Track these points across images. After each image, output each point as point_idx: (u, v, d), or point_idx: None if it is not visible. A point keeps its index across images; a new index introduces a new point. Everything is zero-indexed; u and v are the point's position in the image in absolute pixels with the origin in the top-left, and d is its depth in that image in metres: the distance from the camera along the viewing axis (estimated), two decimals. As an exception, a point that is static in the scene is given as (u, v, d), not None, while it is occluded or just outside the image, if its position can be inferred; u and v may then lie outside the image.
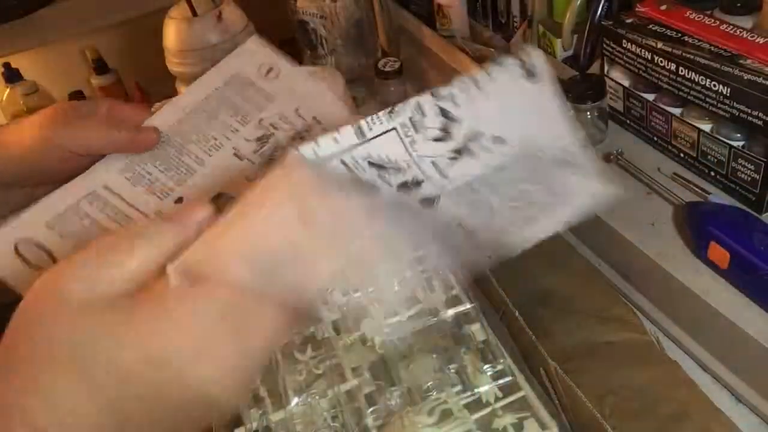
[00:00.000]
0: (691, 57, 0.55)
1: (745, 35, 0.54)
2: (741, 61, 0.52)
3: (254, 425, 0.45)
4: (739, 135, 0.55)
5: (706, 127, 0.57)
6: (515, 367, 0.46)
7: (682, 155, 0.61)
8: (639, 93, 0.63)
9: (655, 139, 0.63)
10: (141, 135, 0.53)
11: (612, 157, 0.62)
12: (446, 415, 0.43)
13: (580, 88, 0.64)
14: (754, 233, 0.48)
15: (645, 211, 0.58)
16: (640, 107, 0.64)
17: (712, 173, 0.58)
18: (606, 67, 0.67)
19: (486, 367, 0.45)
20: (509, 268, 0.64)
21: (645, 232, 0.56)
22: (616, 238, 0.57)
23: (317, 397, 0.46)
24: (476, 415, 0.43)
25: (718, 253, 0.49)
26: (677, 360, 0.52)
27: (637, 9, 0.63)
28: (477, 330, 0.48)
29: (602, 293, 0.59)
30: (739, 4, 0.58)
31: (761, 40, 0.53)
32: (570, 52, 0.77)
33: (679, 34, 0.57)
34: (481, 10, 0.91)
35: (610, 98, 0.67)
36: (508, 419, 0.42)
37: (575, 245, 0.64)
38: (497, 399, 0.44)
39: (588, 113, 0.65)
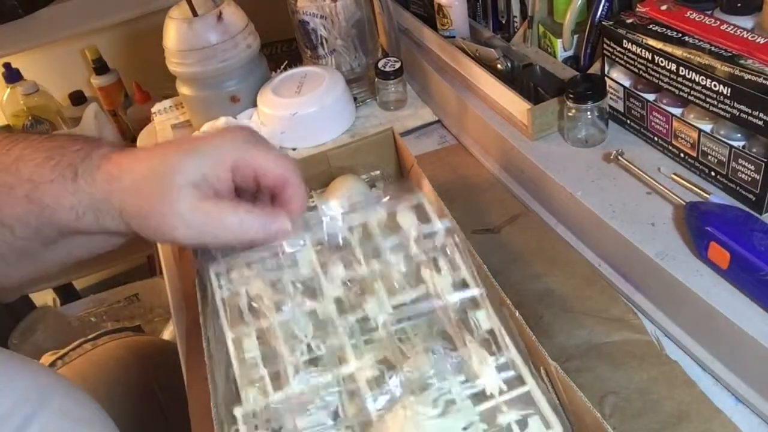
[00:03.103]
0: (692, 57, 0.55)
1: (745, 35, 0.54)
2: (741, 61, 0.52)
3: (253, 405, 0.43)
4: (739, 135, 0.55)
5: (707, 127, 0.57)
6: (520, 360, 0.44)
7: (682, 155, 0.61)
8: (639, 93, 0.63)
9: (656, 139, 0.63)
10: (273, 226, 0.48)
11: (612, 156, 0.62)
12: (450, 406, 0.42)
13: (580, 88, 0.64)
14: (754, 233, 0.48)
15: (645, 211, 0.58)
16: (640, 107, 0.64)
17: (713, 173, 0.58)
18: (606, 67, 0.67)
19: (490, 358, 0.44)
20: (509, 268, 0.64)
21: (645, 232, 0.56)
22: (616, 238, 0.57)
23: (318, 379, 0.44)
24: (480, 408, 0.42)
25: (718, 253, 0.49)
26: (677, 360, 0.52)
27: (637, 9, 0.63)
28: (483, 318, 0.47)
29: (602, 293, 0.59)
30: (739, 4, 0.58)
31: (761, 40, 0.53)
32: (570, 52, 0.77)
33: (680, 34, 0.57)
34: (481, 10, 0.91)
35: (611, 98, 0.67)
36: (512, 416, 0.41)
37: (575, 245, 0.64)
38: (501, 392, 0.43)
39: (588, 113, 0.65)
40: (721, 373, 0.51)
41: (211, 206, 0.45)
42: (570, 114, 0.66)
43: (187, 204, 0.44)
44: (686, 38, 0.57)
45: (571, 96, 0.64)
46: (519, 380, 0.43)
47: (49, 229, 0.47)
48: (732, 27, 0.55)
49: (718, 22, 0.57)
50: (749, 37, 0.54)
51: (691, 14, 0.59)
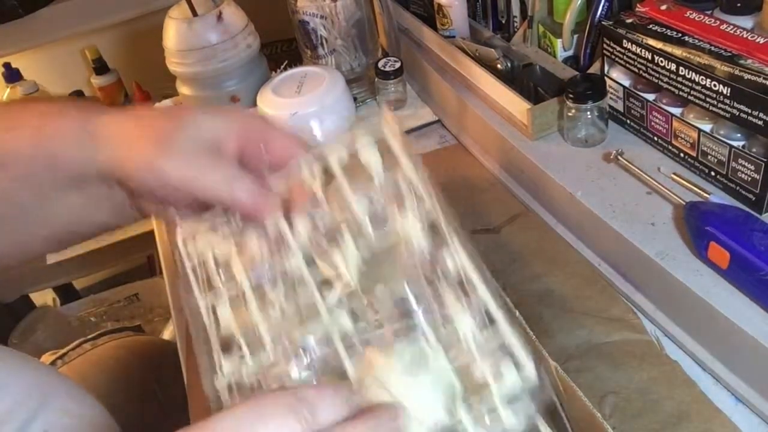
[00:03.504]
0: (691, 57, 0.55)
1: (745, 35, 0.54)
2: (741, 61, 0.52)
3: (231, 376, 0.41)
4: (739, 135, 0.55)
5: (706, 127, 0.57)
6: (491, 300, 0.40)
7: (682, 155, 0.61)
8: (639, 93, 0.63)
9: (656, 139, 0.64)
10: (264, 198, 0.45)
11: (612, 156, 0.62)
12: (420, 359, 0.39)
13: (580, 88, 0.64)
14: (754, 233, 0.48)
15: (645, 211, 0.58)
16: (640, 107, 0.64)
17: (712, 173, 0.58)
18: (606, 67, 0.67)
19: (461, 302, 0.40)
20: (509, 268, 0.64)
21: (645, 232, 0.56)
22: (616, 238, 0.57)
23: (291, 338, 0.41)
24: (451, 354, 0.39)
25: (718, 253, 0.49)
26: (677, 360, 0.52)
27: (637, 9, 0.63)
28: (453, 259, 0.43)
29: (602, 293, 0.59)
30: (739, 4, 0.58)
31: (761, 40, 0.53)
32: (570, 52, 0.77)
33: (680, 34, 0.57)
34: (481, 10, 0.91)
35: (611, 98, 0.67)
36: (486, 363, 0.38)
37: (575, 245, 0.64)
38: (474, 336, 0.39)
39: (588, 113, 0.65)
40: (721, 373, 0.51)
41: (209, 154, 0.44)
42: (570, 114, 0.66)
43: (190, 150, 0.44)
44: (686, 38, 0.57)
45: (571, 96, 0.64)
46: (491, 321, 0.40)
47: (44, 165, 0.45)
48: (732, 27, 0.55)
49: (718, 22, 0.57)
50: (749, 37, 0.54)
51: (690, 14, 0.59)
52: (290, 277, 0.45)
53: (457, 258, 0.42)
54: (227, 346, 0.43)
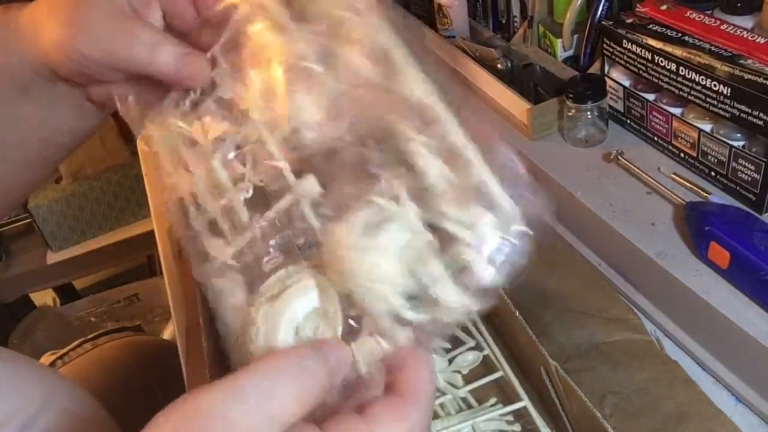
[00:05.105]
0: (692, 57, 0.55)
1: (745, 35, 0.54)
2: (741, 61, 0.52)
3: (221, 258, 0.39)
4: (739, 135, 0.55)
5: (707, 127, 0.57)
6: (461, 132, 0.32)
7: (682, 155, 0.61)
8: (639, 93, 0.63)
9: (656, 139, 0.64)
10: (190, 62, 0.41)
11: (612, 156, 0.62)
12: (381, 216, 0.32)
13: (580, 88, 0.64)
14: (754, 233, 0.49)
15: (645, 211, 0.58)
16: (640, 107, 0.64)
17: (713, 173, 0.58)
18: (606, 67, 0.67)
19: (424, 141, 0.33)
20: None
21: (645, 232, 0.56)
22: (616, 238, 0.57)
23: (266, 219, 0.38)
24: (418, 208, 0.32)
25: (718, 253, 0.49)
26: (677, 360, 0.52)
27: (637, 9, 0.63)
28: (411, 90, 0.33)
29: (602, 293, 0.59)
30: (739, 4, 0.58)
31: (761, 40, 0.53)
32: (570, 52, 0.77)
33: (680, 34, 0.57)
34: (481, 10, 0.91)
35: (611, 98, 0.67)
36: (458, 209, 0.32)
37: (575, 245, 0.64)
38: (443, 178, 0.32)
39: (588, 113, 0.65)
40: (721, 373, 0.51)
41: (125, 20, 0.40)
42: (570, 114, 0.66)
43: (104, 17, 0.40)
44: (686, 38, 0.57)
45: (571, 96, 0.64)
46: (466, 165, 0.33)
47: None
48: (732, 27, 0.55)
49: (718, 22, 0.57)
50: (749, 37, 0.54)
51: (691, 14, 0.59)
52: (255, 142, 0.39)
53: (416, 88, 0.34)
54: (209, 227, 0.40)
